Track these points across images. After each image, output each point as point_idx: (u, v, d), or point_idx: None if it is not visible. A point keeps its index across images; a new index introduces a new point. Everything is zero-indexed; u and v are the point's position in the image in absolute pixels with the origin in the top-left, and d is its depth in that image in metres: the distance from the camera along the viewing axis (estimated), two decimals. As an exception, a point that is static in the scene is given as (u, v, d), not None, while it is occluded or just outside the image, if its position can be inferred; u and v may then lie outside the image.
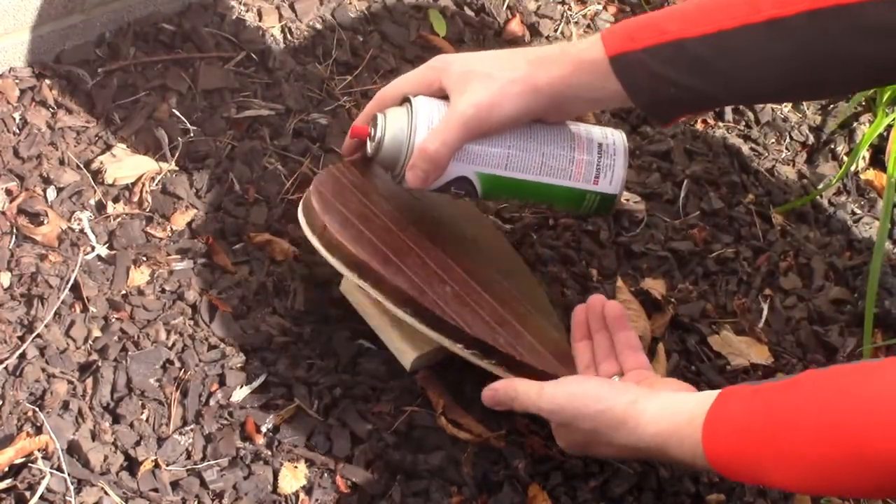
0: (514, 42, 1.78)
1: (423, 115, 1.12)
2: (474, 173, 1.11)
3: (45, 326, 1.26)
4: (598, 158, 1.18)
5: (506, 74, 1.12)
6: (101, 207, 1.41)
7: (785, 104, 1.80)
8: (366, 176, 1.34)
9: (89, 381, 1.22)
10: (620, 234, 1.53)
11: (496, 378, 1.20)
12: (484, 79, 1.12)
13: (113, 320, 1.28)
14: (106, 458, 1.16)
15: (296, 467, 1.18)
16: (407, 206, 1.34)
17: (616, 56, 1.08)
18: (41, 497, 1.10)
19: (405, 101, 1.14)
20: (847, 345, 1.44)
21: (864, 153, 1.72)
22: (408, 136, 1.12)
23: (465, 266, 1.29)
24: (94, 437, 1.17)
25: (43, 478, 1.11)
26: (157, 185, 1.45)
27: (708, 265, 1.51)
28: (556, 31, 1.83)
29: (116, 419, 1.19)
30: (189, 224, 1.41)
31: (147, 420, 1.20)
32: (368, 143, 1.08)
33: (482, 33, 1.78)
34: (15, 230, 1.35)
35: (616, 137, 1.21)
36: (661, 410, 1.05)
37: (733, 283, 1.50)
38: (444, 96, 1.17)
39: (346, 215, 1.25)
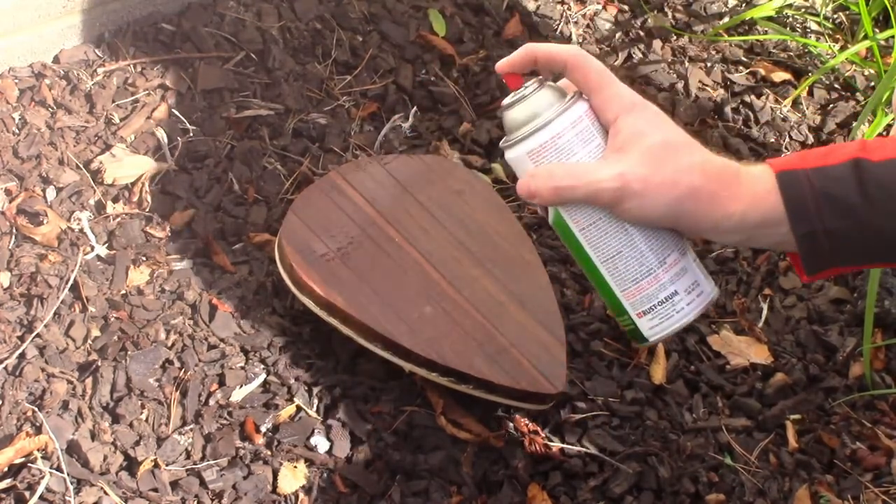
0: (514, 42, 1.78)
1: (576, 136, 0.90)
2: (556, 210, 0.95)
3: (45, 326, 1.26)
4: (664, 302, 0.95)
5: (677, 169, 0.88)
6: (100, 207, 1.41)
7: (785, 103, 1.80)
8: (357, 182, 1.37)
9: (89, 381, 1.22)
10: (620, 233, 1.53)
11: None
12: (653, 156, 0.88)
13: (112, 320, 1.28)
14: (105, 457, 1.15)
15: (295, 467, 1.18)
16: (400, 210, 1.35)
17: (782, 172, 0.88)
18: (41, 497, 1.10)
19: (575, 94, 0.91)
20: (847, 344, 1.44)
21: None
22: (545, 127, 0.90)
23: (454, 271, 1.30)
24: (93, 436, 1.17)
25: (42, 478, 1.11)
26: (156, 184, 1.45)
27: (707, 265, 1.51)
28: (555, 31, 1.83)
29: (116, 419, 1.19)
30: (188, 224, 1.41)
31: (146, 420, 1.20)
32: (512, 94, 0.92)
33: (481, 33, 1.78)
34: (14, 230, 1.35)
35: (701, 300, 0.96)
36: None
37: (733, 283, 1.50)
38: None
39: (314, 252, 1.28)
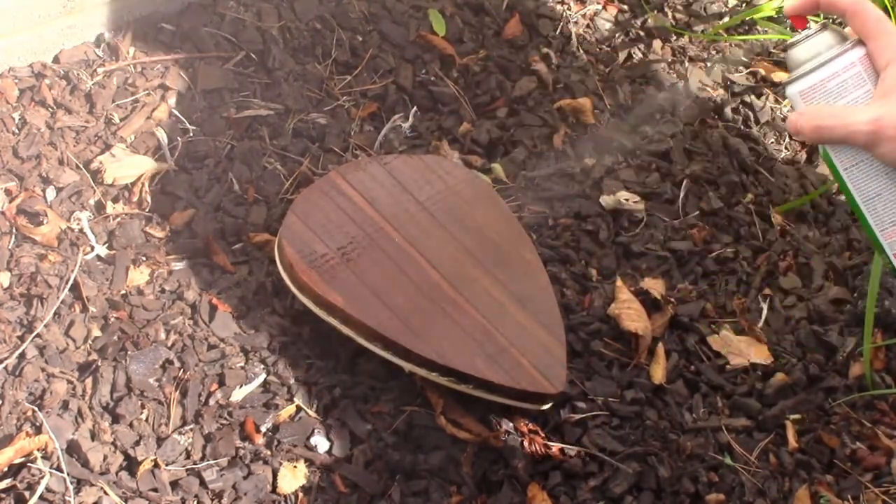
0: (514, 42, 1.78)
1: (847, 80, 0.96)
2: (824, 148, 1.01)
3: (45, 326, 1.26)
4: None
5: None
6: (100, 207, 1.41)
7: (785, 103, 1.80)
8: (357, 182, 1.37)
9: (89, 381, 1.22)
10: (620, 233, 1.53)
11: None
12: None
13: (112, 320, 1.28)
14: (105, 457, 1.15)
15: (295, 467, 1.18)
16: (400, 210, 1.35)
17: None
18: (40, 497, 1.10)
19: (855, 39, 0.97)
20: (847, 344, 1.44)
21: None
22: (819, 69, 0.97)
23: (454, 271, 1.30)
24: (93, 436, 1.17)
25: (42, 477, 1.11)
26: (156, 184, 1.45)
27: (707, 265, 1.51)
28: (555, 30, 1.83)
29: (116, 419, 1.19)
30: (188, 224, 1.41)
31: (146, 420, 1.20)
32: (796, 34, 0.98)
33: (481, 33, 1.78)
34: (14, 230, 1.35)
35: None
36: None
37: (733, 283, 1.50)
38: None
39: (314, 252, 1.28)
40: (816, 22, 0.96)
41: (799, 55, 0.96)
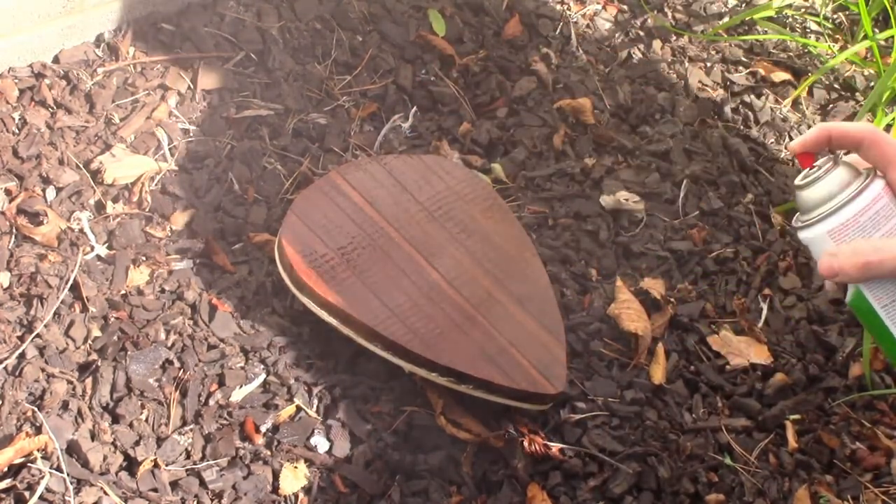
0: (514, 42, 1.78)
1: (877, 213, 0.92)
2: (858, 288, 0.97)
3: (45, 326, 1.26)
4: None
5: None
6: (100, 207, 1.41)
7: (785, 103, 1.80)
8: (357, 182, 1.37)
9: (89, 381, 1.22)
10: (619, 233, 1.53)
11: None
12: None
13: (112, 320, 1.28)
14: (105, 457, 1.15)
15: (295, 467, 1.18)
16: (400, 210, 1.35)
17: None
18: (40, 497, 1.10)
19: (870, 170, 0.91)
20: (846, 345, 1.44)
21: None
22: (847, 206, 0.92)
23: (453, 271, 1.30)
24: (93, 436, 1.17)
25: (42, 478, 1.11)
26: (156, 184, 1.45)
27: (707, 265, 1.51)
28: (555, 30, 1.83)
29: (116, 419, 1.19)
30: (188, 224, 1.41)
31: (146, 420, 1.20)
32: (805, 173, 0.93)
33: (481, 33, 1.78)
34: (14, 230, 1.35)
35: None
36: None
37: (732, 283, 1.51)
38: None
39: (314, 252, 1.29)
40: (825, 158, 0.91)
41: (814, 195, 0.90)
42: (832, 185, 0.89)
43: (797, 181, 0.90)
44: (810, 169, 0.90)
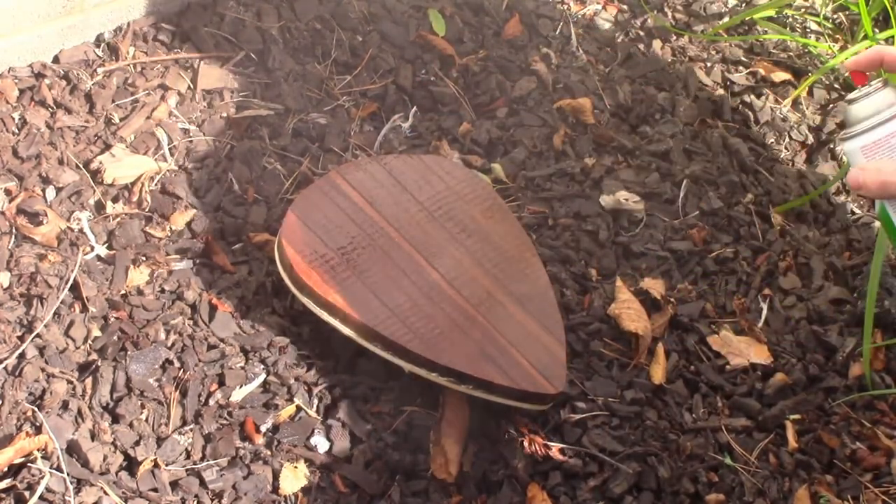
0: (514, 42, 1.78)
1: None
2: (882, 203, 1.03)
3: (45, 326, 1.26)
4: None
5: None
6: (100, 207, 1.41)
7: (785, 103, 1.80)
8: (357, 182, 1.37)
9: (89, 381, 1.22)
10: (619, 233, 1.53)
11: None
12: None
13: (112, 320, 1.28)
14: (105, 457, 1.15)
15: (295, 467, 1.18)
16: (400, 210, 1.35)
17: None
18: (40, 497, 1.10)
19: None
20: (847, 345, 1.44)
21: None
22: (881, 125, 0.99)
23: (453, 271, 1.30)
24: (93, 436, 1.17)
25: (42, 478, 1.11)
26: (156, 184, 1.45)
27: (707, 265, 1.51)
28: (555, 30, 1.83)
29: (116, 419, 1.19)
30: (188, 224, 1.41)
31: (146, 420, 1.20)
32: (857, 90, 1.00)
33: (481, 33, 1.78)
34: (14, 230, 1.35)
35: None
36: None
37: (732, 283, 1.50)
38: None
39: (314, 252, 1.28)
40: (877, 79, 0.97)
41: (860, 111, 0.96)
42: (876, 103, 0.96)
43: (849, 96, 0.97)
44: (862, 86, 0.97)
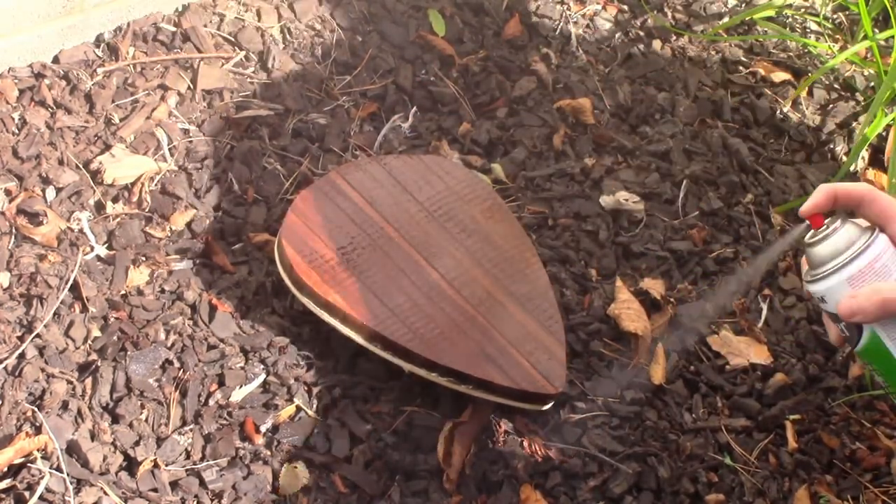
0: (514, 42, 1.78)
1: (889, 260, 1.01)
2: (873, 330, 1.04)
3: (45, 326, 1.26)
4: None
5: None
6: (100, 207, 1.41)
7: (785, 103, 1.80)
8: (357, 182, 1.37)
9: (88, 381, 1.22)
10: (619, 233, 1.53)
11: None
12: None
13: (112, 320, 1.28)
14: (105, 458, 1.15)
15: (295, 467, 1.18)
16: (400, 210, 1.36)
17: None
18: (40, 497, 1.10)
19: (871, 227, 1.01)
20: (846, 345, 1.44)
21: (864, 153, 1.72)
22: (862, 254, 1.00)
23: (453, 271, 1.30)
24: (93, 437, 1.17)
25: (42, 478, 1.11)
26: (156, 185, 1.45)
27: (707, 265, 1.51)
28: (555, 31, 1.83)
29: (116, 419, 1.19)
30: (188, 224, 1.41)
31: (146, 420, 1.20)
32: (815, 232, 1.02)
33: (481, 33, 1.78)
34: (14, 230, 1.35)
35: None
36: None
37: (733, 284, 1.50)
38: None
39: (314, 252, 1.28)
40: (834, 216, 1.00)
41: (829, 248, 0.98)
42: (846, 238, 0.98)
43: (807, 239, 0.99)
44: (819, 228, 0.99)
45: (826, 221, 0.99)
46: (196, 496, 1.15)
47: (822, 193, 1.00)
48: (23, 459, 1.13)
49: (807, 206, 1.00)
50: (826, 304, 0.99)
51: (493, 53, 1.74)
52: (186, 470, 1.17)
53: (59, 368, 1.22)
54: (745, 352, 1.41)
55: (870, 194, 1.00)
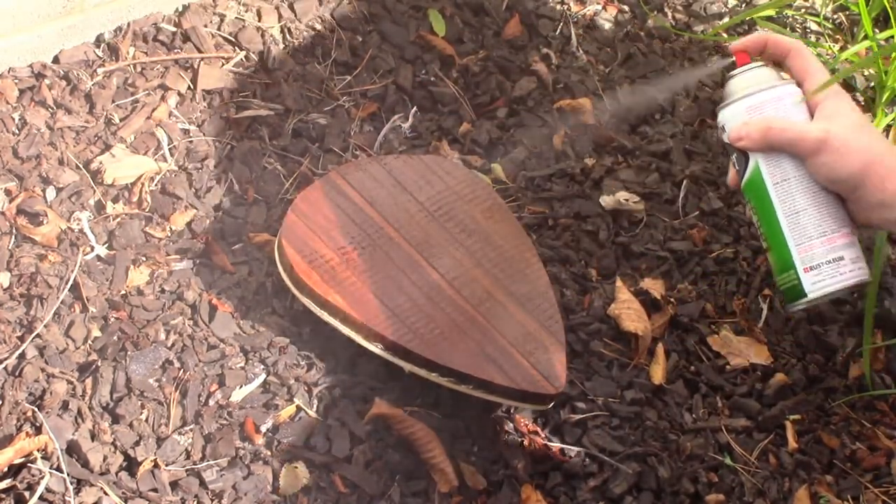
0: (514, 42, 1.78)
1: (791, 103, 1.07)
2: (757, 162, 1.06)
3: (45, 326, 1.26)
4: (831, 262, 1.07)
5: (872, 140, 1.04)
6: (100, 207, 1.41)
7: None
8: (357, 182, 1.37)
9: (89, 381, 1.22)
10: (619, 233, 1.53)
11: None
12: (854, 126, 1.04)
13: (112, 320, 1.28)
14: (105, 458, 1.16)
15: (295, 467, 1.18)
16: (400, 210, 1.36)
17: None
18: (40, 497, 1.10)
19: (788, 79, 1.10)
20: (847, 345, 1.44)
21: (864, 153, 1.72)
22: (770, 89, 1.07)
23: (454, 271, 1.30)
24: (93, 437, 1.17)
25: (42, 478, 1.11)
26: (156, 185, 1.45)
27: (707, 265, 1.51)
28: (555, 30, 1.83)
29: (116, 419, 1.19)
30: (188, 224, 1.41)
31: (146, 420, 1.20)
32: (740, 68, 1.08)
33: (481, 33, 1.78)
34: (14, 230, 1.35)
35: (861, 273, 1.09)
36: None
37: (732, 283, 1.50)
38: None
39: (314, 252, 1.28)
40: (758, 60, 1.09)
41: (743, 81, 1.07)
42: (760, 76, 1.07)
43: (732, 72, 1.09)
44: (746, 65, 1.08)
45: (751, 62, 1.08)
46: (196, 496, 1.15)
47: (755, 36, 1.09)
48: (23, 459, 1.13)
49: (737, 43, 1.09)
50: (724, 134, 1.07)
51: (494, 53, 1.74)
52: (186, 470, 1.17)
53: (59, 368, 1.22)
54: (745, 352, 1.41)
55: (797, 49, 1.07)
